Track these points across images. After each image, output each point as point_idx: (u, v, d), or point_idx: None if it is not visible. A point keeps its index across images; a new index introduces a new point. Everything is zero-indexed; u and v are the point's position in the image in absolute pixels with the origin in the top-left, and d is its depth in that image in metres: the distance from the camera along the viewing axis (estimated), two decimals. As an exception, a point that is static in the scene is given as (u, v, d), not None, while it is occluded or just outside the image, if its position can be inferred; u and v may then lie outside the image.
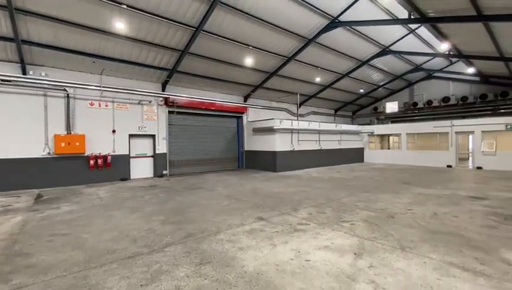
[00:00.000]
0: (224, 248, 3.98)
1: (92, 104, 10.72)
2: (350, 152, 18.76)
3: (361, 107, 24.25)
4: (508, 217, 5.34)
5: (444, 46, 11.10)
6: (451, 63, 17.50)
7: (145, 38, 9.98)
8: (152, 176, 12.52)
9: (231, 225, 5.05)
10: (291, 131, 14.75)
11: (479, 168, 14.35)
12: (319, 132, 16.37)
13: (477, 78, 16.88)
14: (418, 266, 3.32)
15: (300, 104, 19.40)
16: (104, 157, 10.78)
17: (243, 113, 16.13)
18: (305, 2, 10.20)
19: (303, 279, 3.05)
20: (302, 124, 15.28)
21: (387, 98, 22.45)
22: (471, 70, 14.89)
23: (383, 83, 19.76)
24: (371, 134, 19.89)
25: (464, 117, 16.92)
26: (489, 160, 14.14)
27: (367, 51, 14.81)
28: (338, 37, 12.95)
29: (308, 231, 4.65)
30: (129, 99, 11.62)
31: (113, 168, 11.03)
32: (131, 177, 11.79)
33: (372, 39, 13.73)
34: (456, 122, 15.66)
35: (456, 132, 15.56)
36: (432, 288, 2.82)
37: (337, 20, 11.44)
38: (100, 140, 10.85)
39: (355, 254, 3.70)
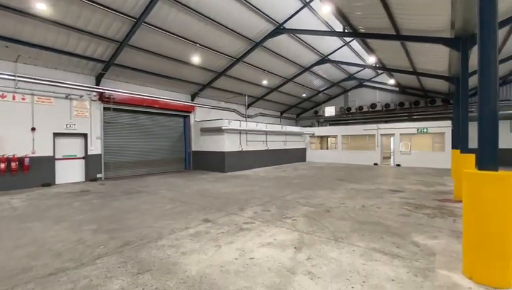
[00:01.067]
0: (165, 254, 3.79)
1: (3, 97, 8.97)
2: (294, 152, 19.91)
3: (304, 110, 25.95)
4: (418, 206, 6.40)
5: (371, 59, 12.73)
6: (378, 74, 20.14)
7: (74, 25, 8.81)
8: (84, 180, 11.11)
9: (174, 229, 4.84)
10: (240, 132, 14.90)
11: (398, 165, 16.84)
12: (266, 132, 16.93)
13: (396, 89, 19.78)
14: (348, 254, 3.72)
15: (249, 106, 19.76)
16: (20, 160, 9.14)
17: (190, 112, 15.61)
18: (253, 6, 10.44)
19: (246, 277, 3.11)
20: (251, 125, 15.58)
21: (326, 103, 24.52)
22: (392, 81, 17.38)
23: (322, 89, 21.52)
24: (312, 135, 21.48)
25: (387, 122, 19.63)
26: (406, 158, 16.72)
27: (309, 58, 15.94)
28: (283, 43, 13.61)
29: (253, 230, 4.77)
30: (54, 92, 10.09)
31: (33, 172, 9.44)
32: (57, 182, 10.27)
33: (313, 48, 14.84)
34: (381, 126, 18.07)
35: (381, 134, 17.94)
36: (358, 272, 3.20)
37: (282, 27, 12.02)
38: (15, 139, 9.16)
39: (295, 248, 3.94)
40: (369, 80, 21.14)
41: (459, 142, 7.94)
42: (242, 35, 12.01)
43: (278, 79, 17.57)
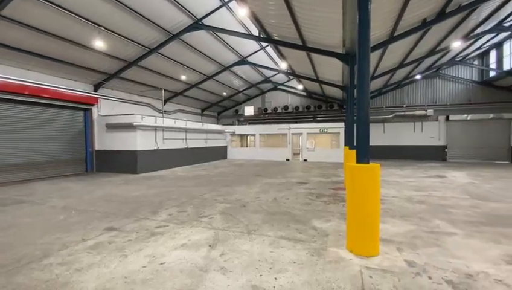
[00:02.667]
0: (53, 274, 3.16)
1: None
2: (215, 150, 19.91)
3: (225, 108, 26.25)
4: (318, 196, 7.44)
5: (283, 65, 14.02)
6: (290, 79, 22.30)
7: None
8: None
9: (67, 244, 4.09)
10: (156, 128, 13.81)
11: (305, 160, 19.16)
12: (186, 130, 16.29)
13: (304, 93, 22.42)
14: (259, 245, 4.00)
15: (166, 101, 18.56)
16: None
17: (92, 105, 13.42)
18: (169, -5, 9.83)
19: (155, 284, 2.93)
20: (168, 122, 14.66)
21: (246, 103, 25.53)
22: (300, 87, 19.61)
23: (242, 89, 22.29)
24: (233, 133, 22.01)
25: (297, 122, 22.01)
26: (311, 154, 19.19)
27: (229, 58, 16.20)
28: (203, 39, 13.37)
29: (166, 233, 4.52)
30: None
31: None
32: None
33: (233, 48, 15.15)
34: (292, 126, 20.14)
35: (292, 133, 19.99)
36: (266, 260, 3.48)
37: (200, 22, 11.77)
38: None
39: (209, 245, 3.97)
40: (282, 84, 23.15)
41: (348, 140, 9.65)
42: (157, 24, 11.14)
43: (198, 75, 17.17)
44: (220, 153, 20.73)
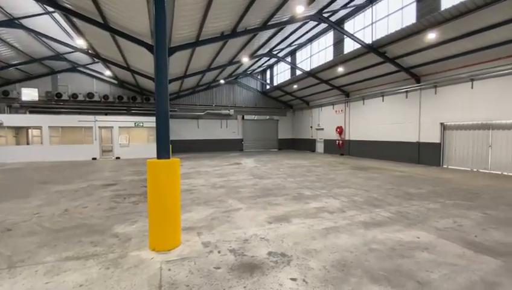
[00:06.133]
0: None
1: None
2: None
3: (-20, 87, 17.43)
4: (126, 196, 6.75)
5: (80, 42, 11.29)
6: (94, 62, 18.58)
7: None
8: None
9: None
10: None
11: (118, 158, 17.00)
12: None
13: (115, 82, 19.66)
14: (29, 278, 2.93)
15: None
16: None
17: None
18: None
19: None
20: None
21: (23, 83, 18.37)
22: (108, 73, 16.92)
23: (15, 62, 15.76)
24: (0, 125, 15.16)
25: (106, 114, 18.90)
26: (125, 151, 17.31)
27: (-19, 10, 10.75)
28: None
29: None
30: None
31: None
32: None
33: (-11, -2, 10.19)
34: (99, 117, 17.06)
35: (99, 127, 16.93)
36: (36, 297, 2.61)
37: None
38: None
39: None
40: (84, 66, 18.88)
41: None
42: None
43: None
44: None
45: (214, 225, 4.61)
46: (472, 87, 10.67)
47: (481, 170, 10.54)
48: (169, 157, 3.79)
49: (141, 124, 17.74)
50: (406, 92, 13.53)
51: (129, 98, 20.11)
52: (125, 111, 19.81)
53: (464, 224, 4.57)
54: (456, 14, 8.80)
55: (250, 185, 8.09)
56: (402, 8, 11.57)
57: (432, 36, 9.87)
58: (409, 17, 11.15)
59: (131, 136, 17.73)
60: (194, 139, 21.34)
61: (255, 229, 4.40)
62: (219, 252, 3.56)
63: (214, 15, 8.29)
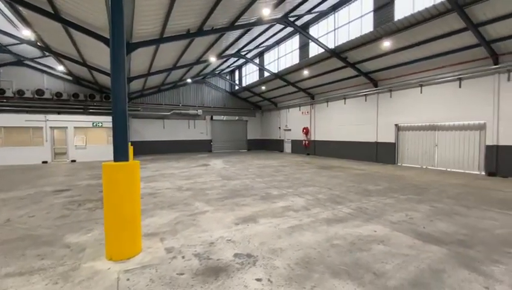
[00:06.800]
0: None
1: None
2: None
3: None
4: (81, 203, 6.21)
5: (26, 33, 10.11)
6: (45, 55, 16.85)
7: None
8: None
9: None
10: None
11: (73, 161, 15.62)
12: None
13: (70, 78, 18.03)
14: (-46, 303, 2.53)
15: None
16: None
17: None
18: None
19: None
20: None
21: (-46, 76, 15.99)
22: (61, 68, 15.44)
23: None
24: None
25: (59, 113, 17.25)
26: (82, 153, 15.95)
27: None
28: None
29: None
30: None
31: None
32: None
33: None
34: (51, 117, 15.52)
35: (51, 127, 15.40)
36: (-36, 323, 2.26)
37: None
38: None
39: None
40: (33, 60, 17.01)
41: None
42: None
43: None
44: None
45: (178, 229, 4.45)
46: (421, 92, 11.78)
47: (429, 167, 11.67)
48: (127, 160, 3.56)
49: (100, 124, 16.50)
50: (365, 95, 14.46)
51: (86, 96, 18.59)
52: (81, 110, 18.26)
53: (415, 217, 5.00)
54: (407, 24, 9.65)
55: (218, 186, 7.97)
56: (361, 16, 12.35)
57: (387, 44, 10.70)
58: (367, 25, 11.94)
59: (89, 137, 16.40)
60: (159, 140, 20.44)
61: (221, 231, 4.33)
62: (183, 257, 3.44)
63: (179, 12, 8.03)
